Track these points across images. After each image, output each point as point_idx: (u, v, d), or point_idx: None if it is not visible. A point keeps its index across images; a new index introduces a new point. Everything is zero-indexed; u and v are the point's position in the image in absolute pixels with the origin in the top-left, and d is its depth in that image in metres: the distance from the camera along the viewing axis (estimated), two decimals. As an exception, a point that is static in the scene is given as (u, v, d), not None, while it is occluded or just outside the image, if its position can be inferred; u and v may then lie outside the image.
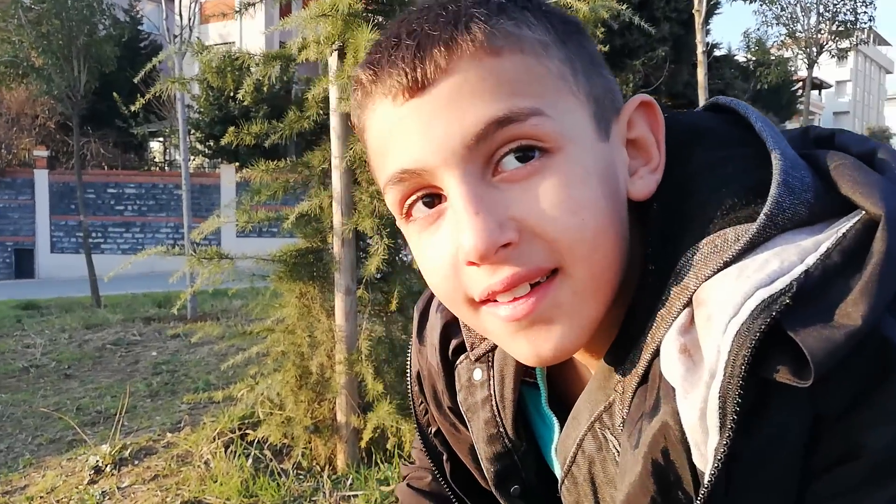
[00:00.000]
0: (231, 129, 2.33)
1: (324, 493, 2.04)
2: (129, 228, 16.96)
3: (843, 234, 0.40)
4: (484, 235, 0.42)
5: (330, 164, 2.30)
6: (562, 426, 0.56)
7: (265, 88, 2.44)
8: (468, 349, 0.61)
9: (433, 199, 0.47)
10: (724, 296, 0.40)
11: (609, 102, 0.49)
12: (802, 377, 0.37)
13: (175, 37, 6.58)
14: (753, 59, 14.17)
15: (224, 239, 12.79)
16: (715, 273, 0.42)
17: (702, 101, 6.48)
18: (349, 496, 2.02)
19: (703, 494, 0.41)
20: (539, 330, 0.46)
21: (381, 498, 1.97)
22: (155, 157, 19.58)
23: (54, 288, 11.99)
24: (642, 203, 0.49)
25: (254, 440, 2.44)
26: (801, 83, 20.90)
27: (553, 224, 0.43)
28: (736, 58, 20.42)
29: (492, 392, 0.60)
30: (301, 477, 2.21)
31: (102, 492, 2.29)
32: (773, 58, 12.65)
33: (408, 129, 0.45)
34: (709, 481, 0.40)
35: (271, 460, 2.30)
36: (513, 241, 0.43)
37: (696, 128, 0.51)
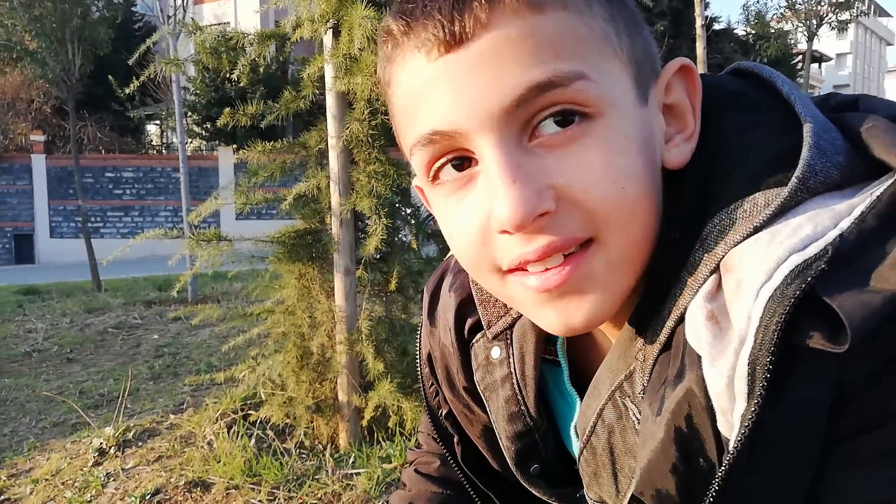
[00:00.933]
0: (227, 110, 2.32)
1: (326, 471, 2.06)
2: (127, 212, 16.94)
3: (878, 196, 0.39)
4: (521, 205, 0.41)
5: (327, 145, 2.29)
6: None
7: (261, 69, 2.42)
8: (485, 327, 0.60)
9: (463, 161, 0.45)
10: (756, 261, 0.40)
11: (649, 65, 0.47)
12: (838, 342, 0.37)
13: (169, 17, 6.50)
14: (753, 32, 14.03)
15: (223, 221, 12.74)
16: (745, 238, 0.41)
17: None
18: (352, 474, 2.04)
19: (727, 460, 0.41)
20: (570, 300, 0.45)
21: (384, 475, 1.99)
22: (152, 140, 19.48)
23: (54, 273, 12.00)
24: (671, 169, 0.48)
25: (256, 420, 2.46)
26: (800, 56, 20.72)
27: (593, 193, 0.42)
28: (735, 31, 20.25)
29: (512, 370, 0.59)
30: (304, 456, 2.23)
31: (107, 473, 2.31)
32: (773, 31, 12.52)
33: (441, 87, 0.42)
34: (734, 447, 0.40)
35: (274, 440, 2.32)
36: (550, 211, 0.42)
37: (726, 91, 0.50)
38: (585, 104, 0.41)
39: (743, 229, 0.41)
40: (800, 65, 21.78)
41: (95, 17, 9.51)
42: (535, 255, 0.43)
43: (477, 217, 0.44)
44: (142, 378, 3.61)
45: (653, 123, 0.46)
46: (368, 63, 1.86)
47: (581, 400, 0.56)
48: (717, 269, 0.42)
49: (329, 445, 2.34)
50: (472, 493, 0.72)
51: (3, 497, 2.38)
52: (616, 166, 0.42)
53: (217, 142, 16.95)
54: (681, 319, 0.43)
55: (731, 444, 0.40)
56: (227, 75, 2.37)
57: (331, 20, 2.12)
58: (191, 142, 16.90)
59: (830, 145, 0.42)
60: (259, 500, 1.92)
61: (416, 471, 0.79)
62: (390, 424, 2.29)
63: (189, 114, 15.65)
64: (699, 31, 6.09)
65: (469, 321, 0.62)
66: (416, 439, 0.85)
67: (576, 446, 0.57)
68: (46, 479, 2.41)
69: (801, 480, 0.41)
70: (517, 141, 0.42)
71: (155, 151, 18.77)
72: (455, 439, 0.70)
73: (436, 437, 0.73)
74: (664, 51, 16.38)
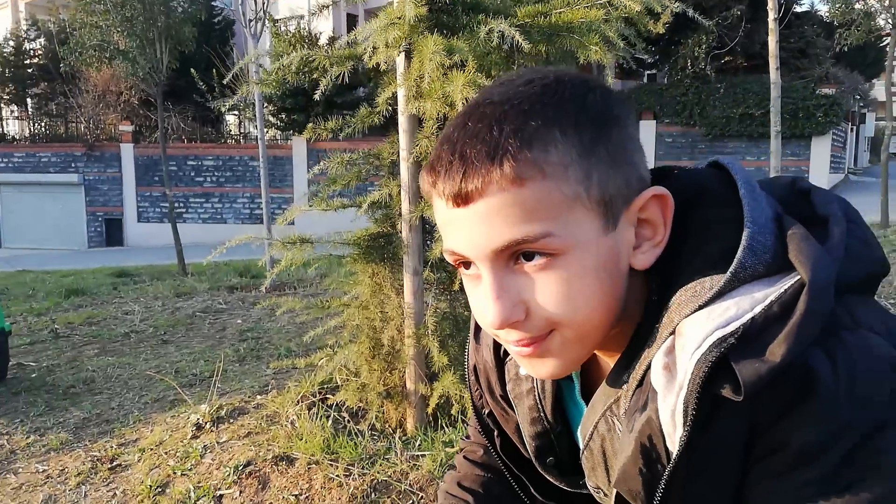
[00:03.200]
0: (310, 125, 2.57)
1: (395, 452, 2.29)
2: (208, 199, 17.78)
3: (785, 290, 0.55)
4: (499, 316, 0.60)
5: (398, 156, 2.51)
6: None
7: (323, 86, 2.64)
8: None
9: (470, 265, 0.64)
10: (694, 332, 0.57)
11: (621, 197, 0.61)
12: (738, 394, 0.54)
13: (250, 21, 6.86)
14: (834, 17, 13.44)
15: (297, 214, 13.23)
16: (693, 313, 0.58)
17: (772, 70, 6.29)
18: (418, 455, 2.27)
19: (669, 468, 0.59)
20: (536, 363, 0.65)
21: (447, 458, 2.21)
22: (231, 130, 20.28)
23: (142, 255, 12.81)
24: None
25: (333, 404, 2.73)
26: (888, 40, 19.64)
27: (550, 309, 0.60)
28: (819, 13, 19.31)
29: (535, 384, 0.78)
30: (375, 437, 2.48)
31: (204, 446, 2.62)
32: (858, 14, 11.98)
33: (455, 227, 0.61)
34: (674, 459, 0.58)
35: (349, 422, 2.58)
36: (520, 320, 0.61)
37: (699, 188, 0.65)
38: (549, 250, 0.59)
39: (693, 305, 0.58)
40: (889, 48, 20.62)
41: (180, 16, 10.04)
42: (512, 344, 0.64)
43: (481, 308, 0.64)
44: (228, 360, 3.95)
45: (619, 242, 0.62)
46: (437, 89, 2.06)
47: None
48: (674, 332, 0.59)
49: (398, 429, 2.58)
50: (508, 476, 0.91)
51: (115, 463, 2.73)
52: (571, 291, 0.60)
53: (291, 132, 17.50)
54: (650, 366, 0.61)
55: (674, 456, 0.58)
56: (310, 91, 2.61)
57: (403, 44, 2.33)
58: (266, 131, 17.52)
59: (762, 246, 0.59)
60: (337, 475, 2.18)
61: (464, 457, 1.00)
62: (453, 412, 2.51)
63: (265, 105, 16.25)
64: (772, 24, 6.00)
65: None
66: (466, 431, 1.06)
67: (581, 444, 0.76)
68: (151, 449, 2.75)
69: (726, 489, 0.59)
70: (505, 265, 0.61)
71: (233, 140, 19.54)
72: (495, 433, 0.88)
73: (480, 430, 0.93)
74: (741, 36, 15.86)
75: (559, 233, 0.58)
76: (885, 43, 20.63)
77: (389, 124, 2.64)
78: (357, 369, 2.73)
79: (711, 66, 16.22)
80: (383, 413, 2.68)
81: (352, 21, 20.31)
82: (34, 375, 4.03)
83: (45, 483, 2.61)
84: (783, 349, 0.52)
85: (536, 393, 0.78)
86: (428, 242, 2.61)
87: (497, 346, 0.83)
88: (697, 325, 0.57)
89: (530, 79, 0.62)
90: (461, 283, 2.48)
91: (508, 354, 0.82)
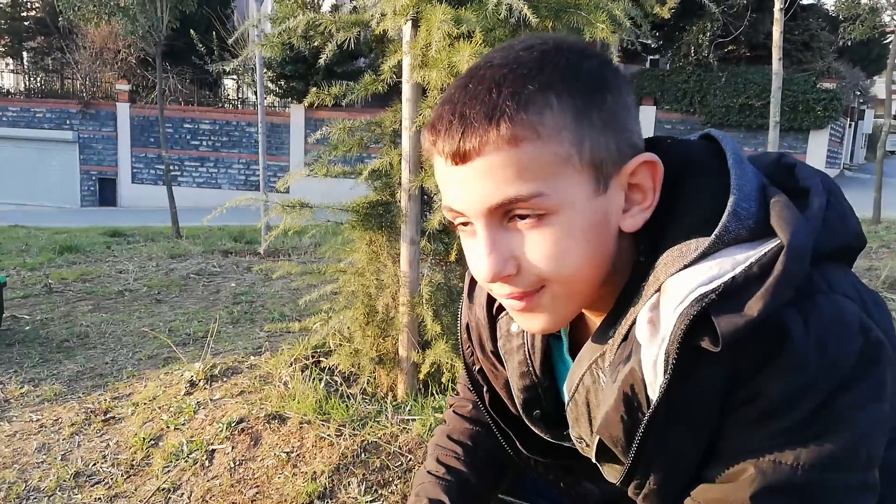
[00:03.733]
0: (313, 90, 2.57)
1: (386, 415, 2.35)
2: (203, 163, 17.70)
3: (765, 252, 0.59)
4: (492, 271, 0.65)
5: (400, 125, 2.53)
6: None
7: (328, 51, 2.64)
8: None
9: (468, 223, 0.68)
10: (678, 288, 0.61)
11: (613, 162, 0.64)
12: (716, 346, 0.58)
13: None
14: (839, 12, 13.41)
15: (292, 180, 13.21)
16: (678, 272, 0.62)
17: (775, 61, 6.30)
18: (408, 419, 2.33)
19: (649, 413, 0.64)
20: (528, 317, 0.70)
21: (435, 423, 2.26)
22: (228, 95, 20.10)
23: (136, 217, 12.78)
24: None
25: (325, 367, 2.78)
26: (893, 35, 19.60)
27: (540, 266, 0.65)
28: (824, 6, 19.24)
29: (525, 341, 0.82)
30: (366, 401, 2.53)
31: (197, 402, 2.66)
32: (863, 8, 11.95)
33: (453, 182, 0.65)
34: (654, 405, 0.63)
35: (341, 385, 2.63)
36: (511, 274, 0.65)
37: (689, 158, 0.70)
38: (540, 209, 0.62)
39: (677, 265, 0.63)
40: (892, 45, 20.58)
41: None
42: (505, 297, 0.68)
43: (475, 262, 0.68)
44: (222, 322, 3.99)
45: (609, 205, 0.65)
46: (443, 59, 2.08)
47: None
48: (659, 290, 0.64)
49: (388, 394, 2.63)
50: (495, 430, 0.95)
51: (109, 415, 2.77)
52: (560, 249, 0.64)
53: (289, 99, 17.38)
54: (635, 321, 0.65)
55: (654, 403, 0.63)
56: (315, 39, 2.61)
57: (410, 12, 2.34)
58: (265, 98, 17.40)
59: (745, 212, 0.63)
60: (328, 435, 2.23)
61: (454, 412, 1.05)
62: (444, 380, 2.56)
63: (264, 70, 16.11)
64: (777, 14, 6.00)
65: (497, 302, 0.86)
66: (455, 388, 1.10)
67: (566, 398, 0.81)
68: (145, 403, 2.79)
69: (701, 432, 0.64)
70: (498, 222, 0.65)
71: (231, 105, 19.38)
72: (484, 389, 0.94)
73: (470, 387, 0.97)
74: (746, 26, 15.80)
75: (551, 193, 0.62)
76: (888, 40, 20.60)
77: (389, 96, 2.65)
78: (351, 335, 2.78)
79: (714, 55, 16.17)
80: (375, 378, 2.73)
81: (355, -10, 20.07)
82: (28, 328, 4.06)
83: (39, 432, 2.66)
84: (760, 305, 0.57)
85: (526, 349, 0.82)
86: (426, 213, 2.64)
87: (490, 303, 0.87)
88: (681, 283, 0.61)
89: (530, 44, 0.65)
90: (457, 254, 2.52)
91: (501, 312, 0.86)
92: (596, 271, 0.67)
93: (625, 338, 0.67)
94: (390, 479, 2.05)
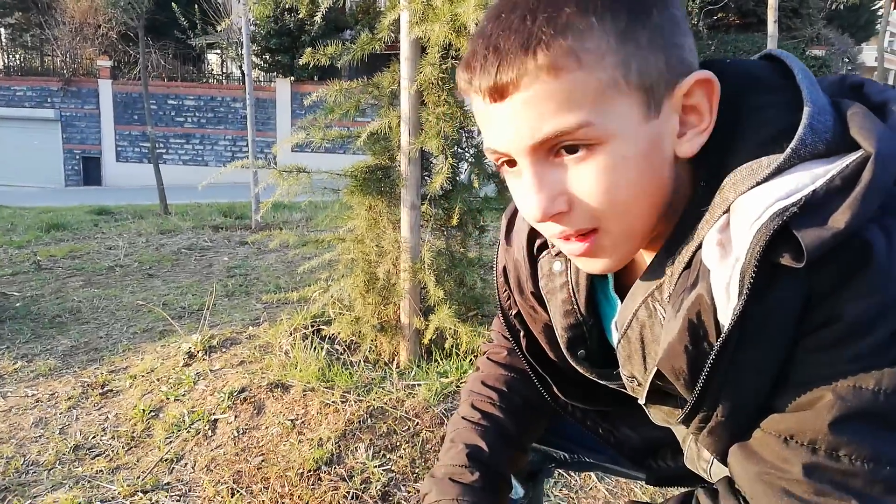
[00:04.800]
0: (308, 50, 2.49)
1: (391, 381, 2.31)
2: (188, 140, 17.45)
3: (847, 164, 0.55)
4: (541, 208, 0.61)
5: (399, 86, 2.46)
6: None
7: (323, 7, 2.56)
8: (549, 247, 0.81)
9: (512, 162, 0.64)
10: (754, 205, 0.56)
11: (664, 82, 0.60)
12: (799, 261, 0.54)
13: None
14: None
15: (280, 153, 13.06)
16: (750, 189, 0.58)
17: (770, 23, 6.24)
18: (413, 384, 2.29)
19: (722, 338, 0.59)
20: (588, 261, 0.67)
21: (441, 387, 2.23)
22: (213, 70, 19.79)
23: (122, 195, 12.61)
24: None
25: (326, 336, 2.74)
26: (882, 1, 19.54)
27: (592, 200, 0.61)
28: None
29: (569, 279, 0.79)
30: (369, 368, 2.50)
31: (197, 373, 2.62)
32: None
33: (493, 121, 0.61)
34: (728, 329, 0.58)
35: (343, 353, 2.59)
36: (563, 211, 0.62)
37: (750, 75, 0.65)
38: (588, 140, 0.58)
39: (749, 182, 0.58)
40: (881, 11, 20.55)
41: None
42: (560, 236, 0.64)
43: (522, 201, 0.64)
44: (217, 295, 3.93)
45: (662, 129, 0.61)
46: (446, 11, 2.01)
47: (621, 303, 0.76)
48: (727, 211, 0.59)
49: (391, 361, 2.60)
50: (532, 375, 0.92)
51: (106, 388, 2.73)
52: (613, 182, 0.60)
53: (275, 73, 17.13)
54: (699, 246, 0.61)
55: (726, 328, 0.59)
56: (288, 7, 2.52)
57: (408, -33, 2.26)
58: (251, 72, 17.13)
59: (822, 125, 0.58)
60: (333, 401, 2.19)
61: (488, 358, 1.01)
62: (447, 346, 2.53)
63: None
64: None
65: (538, 241, 0.83)
66: (489, 335, 1.07)
67: (615, 337, 0.77)
68: (143, 376, 2.75)
69: (774, 357, 0.59)
70: (544, 158, 0.61)
71: (215, 80, 19.08)
72: (521, 333, 0.90)
73: (505, 334, 0.93)
74: (735, -8, 15.64)
75: (598, 122, 0.58)
76: (878, 6, 20.54)
77: (377, 67, 2.57)
78: (351, 303, 2.73)
79: (704, 23, 16.06)
80: (377, 346, 2.69)
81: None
82: (18, 304, 3.99)
83: (35, 406, 2.61)
84: (847, 216, 0.53)
85: (571, 287, 0.79)
86: (426, 177, 2.59)
87: (531, 243, 0.83)
88: (756, 199, 0.57)
89: None
90: (459, 218, 2.45)
91: (542, 251, 0.82)
92: (652, 202, 0.63)
93: (687, 265, 0.63)
94: (398, 443, 2.02)
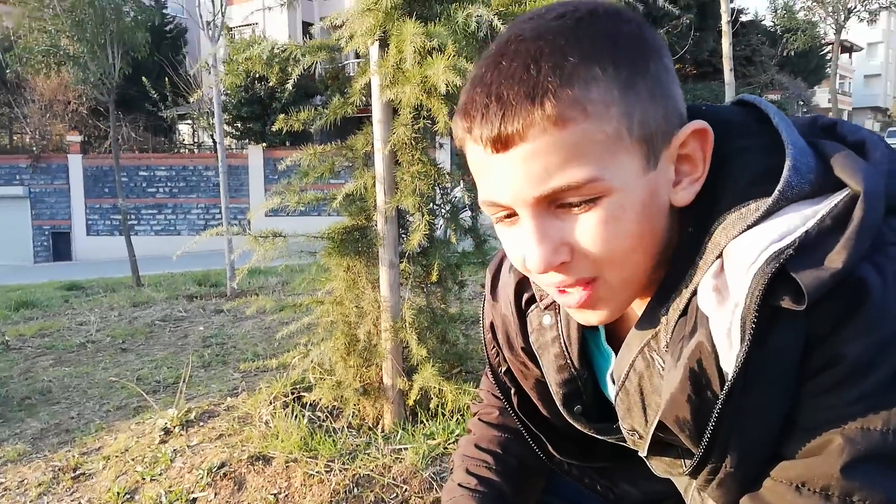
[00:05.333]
0: (281, 116, 2.50)
1: (376, 446, 2.24)
2: (161, 210, 17.38)
3: (835, 204, 0.55)
4: (543, 260, 0.60)
5: (372, 148, 2.47)
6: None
7: (293, 77, 2.59)
8: (538, 300, 0.79)
9: (512, 215, 0.63)
10: (747, 249, 0.56)
11: (662, 133, 0.60)
12: (799, 303, 0.53)
13: (208, 23, 6.75)
14: (780, 24, 14.01)
15: (254, 219, 13.05)
16: (741, 233, 0.57)
17: (727, 71, 6.50)
18: (400, 448, 2.23)
19: (727, 386, 0.57)
20: (587, 312, 0.65)
21: (429, 450, 2.17)
22: (184, 140, 19.89)
23: (92, 269, 12.41)
24: None
25: (307, 403, 2.66)
26: (830, 46, 20.51)
27: (594, 251, 0.60)
28: (763, 23, 20.03)
29: (560, 332, 0.77)
30: (353, 434, 2.42)
31: (174, 450, 2.52)
32: (801, 23, 12.48)
33: (493, 172, 0.60)
34: (732, 376, 0.57)
35: (325, 420, 2.51)
36: (566, 261, 0.61)
37: (726, 121, 0.65)
38: (594, 194, 0.58)
39: (739, 226, 0.58)
40: (830, 55, 21.54)
41: (132, 21, 9.79)
42: (560, 286, 0.63)
43: (520, 252, 0.63)
44: (193, 366, 3.83)
45: (659, 179, 0.61)
46: (416, 74, 2.04)
47: (615, 355, 0.74)
48: (720, 256, 0.59)
49: (376, 426, 2.53)
50: (525, 435, 0.89)
51: (79, 472, 2.60)
52: (614, 232, 0.59)
53: (246, 140, 17.27)
54: (694, 292, 0.60)
55: (730, 375, 0.57)
56: (258, 77, 2.55)
57: (378, 32, 2.30)
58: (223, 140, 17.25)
59: (805, 166, 0.59)
60: (317, 472, 2.12)
61: (479, 419, 0.98)
62: (432, 406, 2.47)
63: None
64: (725, 26, 6.19)
65: (525, 295, 0.81)
66: (478, 395, 1.03)
67: (611, 390, 0.75)
68: (117, 456, 2.63)
69: (779, 403, 0.58)
70: (545, 210, 0.60)
71: (187, 150, 19.16)
72: (512, 391, 0.87)
73: (495, 392, 0.91)
74: (690, 44, 16.29)
75: (603, 176, 0.57)
76: (825, 51, 21.50)
77: (349, 129, 2.59)
78: (332, 367, 2.67)
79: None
80: (360, 410, 2.62)
81: (307, 29, 20.18)
82: (-15, 388, 3.84)
83: (3, 496, 2.48)
84: (843, 256, 0.52)
85: (562, 341, 0.77)
86: (403, 234, 2.58)
87: (518, 298, 0.81)
88: (749, 243, 0.56)
89: (561, 13, 0.59)
90: (438, 275, 2.43)
91: (530, 306, 0.80)
92: (649, 251, 0.62)
93: (683, 313, 0.62)
94: (387, 512, 1.95)
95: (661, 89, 0.60)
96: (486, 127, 0.57)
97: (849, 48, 31.49)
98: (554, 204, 0.59)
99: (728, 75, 6.32)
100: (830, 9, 11.96)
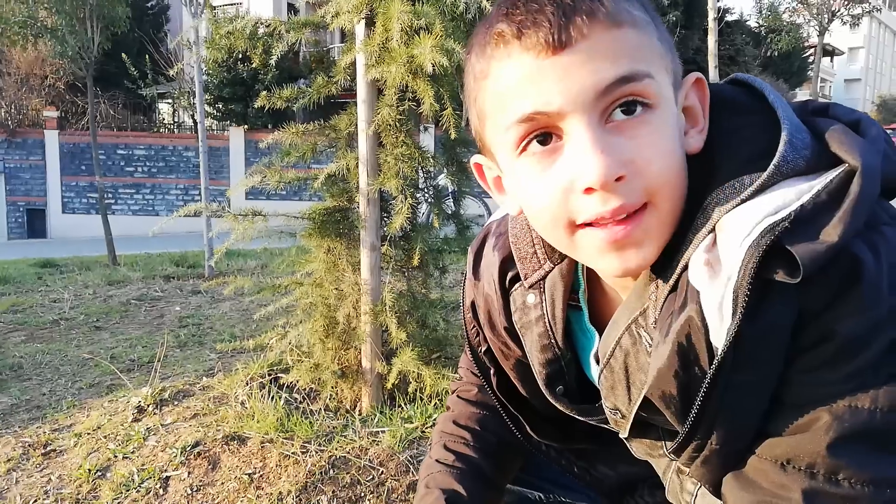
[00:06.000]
0: (263, 93, 2.46)
1: (353, 429, 2.23)
2: (139, 190, 17.12)
3: (831, 179, 0.55)
4: (606, 168, 0.56)
5: (356, 128, 2.44)
6: (600, 338, 0.73)
7: (276, 53, 2.54)
8: (522, 279, 0.77)
9: (546, 137, 0.60)
10: (741, 222, 0.55)
11: (678, 77, 0.63)
12: (794, 277, 0.53)
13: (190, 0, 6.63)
14: (765, 25, 14.12)
15: (233, 200, 12.90)
16: (735, 207, 0.57)
17: (711, 69, 6.53)
18: (377, 431, 2.22)
19: (717, 361, 0.57)
20: (629, 250, 0.60)
21: (406, 433, 2.16)
22: (164, 119, 19.57)
23: (67, 247, 12.20)
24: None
25: (284, 384, 2.64)
26: (812, 50, 20.72)
27: (651, 167, 0.58)
28: (748, 23, 20.19)
29: (544, 311, 0.75)
30: (330, 416, 2.41)
31: (147, 428, 2.49)
32: (786, 24, 12.60)
33: (546, 79, 0.57)
34: (723, 351, 0.56)
35: (302, 402, 2.50)
36: (624, 176, 0.57)
37: (722, 98, 0.66)
38: (650, 97, 0.57)
39: (734, 201, 0.57)
40: (812, 58, 21.77)
41: (113, -5, 9.57)
42: (610, 214, 0.58)
43: (562, 181, 0.59)
44: (169, 346, 3.78)
45: (680, 119, 0.62)
46: (402, 53, 2.01)
47: (599, 335, 0.73)
48: (713, 230, 0.58)
49: (353, 409, 2.52)
50: (504, 415, 0.88)
51: (49, 448, 2.56)
52: (667, 148, 0.58)
53: (228, 122, 17.05)
54: (685, 268, 0.60)
55: (720, 350, 0.56)
56: (241, 57, 2.50)
57: (364, 10, 2.27)
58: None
59: (801, 142, 0.58)
60: (293, 453, 2.10)
61: (458, 396, 0.97)
62: (410, 390, 2.46)
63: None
64: (711, 23, 6.22)
65: (509, 274, 0.79)
66: (458, 373, 1.03)
67: (594, 370, 0.74)
68: (89, 433, 2.59)
69: (769, 379, 0.58)
70: (599, 122, 0.58)
71: (167, 130, 18.87)
72: (491, 371, 0.87)
73: (474, 371, 0.90)
74: (676, 42, 16.41)
75: (659, 79, 0.59)
76: (808, 53, 21.74)
77: (332, 113, 2.55)
78: (310, 349, 2.65)
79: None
80: (337, 393, 2.61)
81: (292, 11, 19.96)
82: (-47, 363, 3.76)
83: (-30, 471, 2.43)
84: (839, 229, 0.52)
85: (546, 320, 0.76)
86: (385, 218, 2.56)
87: (503, 277, 0.80)
88: (744, 216, 0.56)
89: None
90: (420, 259, 2.41)
91: (514, 284, 0.79)
92: (685, 188, 0.62)
93: (673, 288, 0.61)
94: (362, 494, 1.94)
95: (671, 41, 0.63)
96: (542, 29, 0.56)
97: (831, 52, 31.87)
98: (607, 113, 0.58)
99: (713, 72, 6.36)
100: (815, 11, 12.09)
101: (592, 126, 0.57)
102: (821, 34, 11.83)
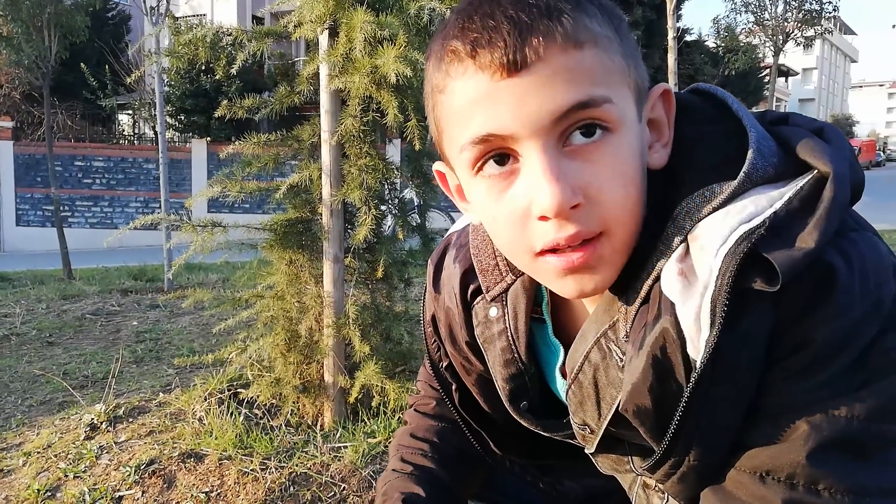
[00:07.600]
0: (224, 102, 2.43)
1: (315, 444, 2.19)
2: (97, 202, 16.72)
3: (801, 186, 0.55)
4: (561, 197, 0.54)
5: (319, 139, 2.42)
6: (566, 352, 0.70)
7: (238, 62, 2.51)
8: (484, 292, 0.75)
9: (503, 158, 0.58)
10: (715, 230, 0.55)
11: (643, 89, 0.60)
12: (772, 284, 0.52)
13: (152, 9, 6.53)
14: (722, 45, 14.53)
15: (196, 212, 12.67)
16: (706, 216, 0.56)
17: (671, 85, 6.70)
18: (339, 447, 2.18)
19: (696, 374, 0.55)
20: (584, 275, 0.59)
21: (369, 448, 2.13)
22: (124, 131, 19.20)
23: (21, 261, 11.83)
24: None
25: (244, 400, 2.58)
26: (767, 70, 21.36)
27: (608, 195, 0.56)
28: (706, 43, 20.74)
29: (507, 325, 0.73)
30: (291, 432, 2.36)
31: (100, 446, 2.40)
32: (742, 44, 12.97)
33: (501, 101, 0.55)
34: (702, 363, 0.55)
35: (262, 417, 2.44)
36: (581, 204, 0.56)
37: (684, 106, 0.65)
38: (608, 121, 0.56)
39: (705, 209, 0.57)
40: (767, 78, 22.43)
41: (71, 4, 9.39)
42: (566, 241, 0.57)
43: (519, 205, 0.57)
44: (125, 361, 3.68)
45: (643, 135, 0.60)
46: (366, 63, 2.00)
47: (563, 348, 0.72)
48: (685, 240, 0.57)
49: (315, 424, 2.47)
50: (466, 431, 0.86)
51: (-5, 469, 2.45)
52: (626, 174, 0.57)
53: (190, 134, 16.80)
54: (657, 279, 0.58)
55: (699, 362, 0.55)
56: (203, 68, 2.46)
57: (327, 21, 2.26)
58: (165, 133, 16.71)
59: (768, 150, 0.58)
60: (252, 470, 2.05)
61: (415, 410, 0.95)
62: (374, 404, 2.43)
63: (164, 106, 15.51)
64: (671, 42, 6.35)
65: (471, 287, 0.77)
66: (416, 387, 1.00)
67: (560, 385, 0.72)
68: (38, 452, 2.49)
69: (748, 390, 0.56)
70: (555, 145, 0.56)
71: (127, 142, 18.51)
72: (453, 387, 0.84)
73: (433, 385, 0.88)
74: (637, 59, 16.74)
75: (617, 102, 0.56)
76: (764, 73, 22.40)
77: (295, 125, 2.53)
78: (271, 363, 2.60)
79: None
80: (299, 408, 2.56)
81: (255, 23, 19.82)
82: None
83: None
84: (815, 235, 0.52)
85: (509, 334, 0.74)
86: (349, 229, 2.53)
87: (464, 289, 0.78)
88: (717, 225, 0.55)
89: None
90: (384, 271, 2.38)
91: (475, 297, 0.77)
92: (642, 211, 0.60)
93: (644, 300, 0.60)
94: (324, 511, 1.90)
95: (637, 50, 0.61)
96: (496, 49, 0.54)
97: (786, 72, 32.88)
98: (564, 136, 0.56)
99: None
100: (770, 32, 12.48)
101: (549, 151, 0.56)
102: (776, 55, 12.21)
